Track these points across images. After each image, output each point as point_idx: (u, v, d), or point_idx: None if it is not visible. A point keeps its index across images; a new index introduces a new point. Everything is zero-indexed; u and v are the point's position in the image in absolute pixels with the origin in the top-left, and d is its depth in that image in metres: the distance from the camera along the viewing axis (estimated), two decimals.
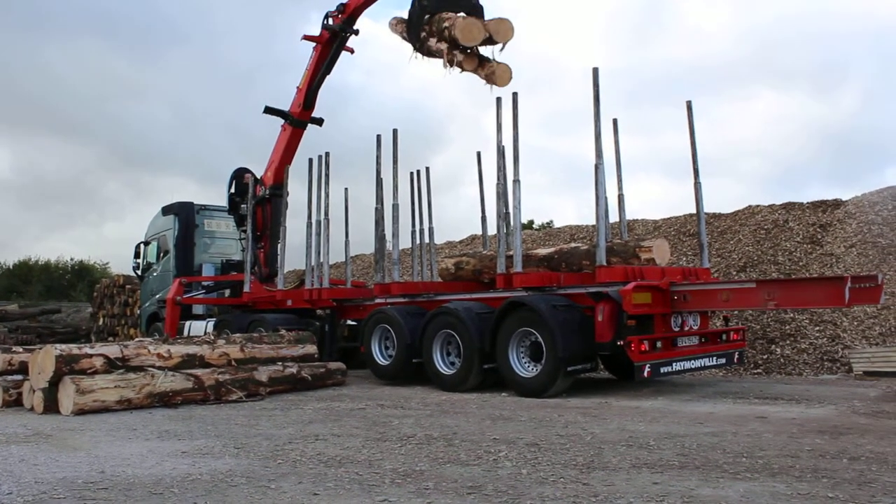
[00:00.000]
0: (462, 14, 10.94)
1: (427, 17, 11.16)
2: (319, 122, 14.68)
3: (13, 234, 66.94)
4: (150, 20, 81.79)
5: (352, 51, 14.15)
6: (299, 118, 14.28)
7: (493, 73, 11.01)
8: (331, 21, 13.59)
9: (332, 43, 13.74)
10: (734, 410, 7.52)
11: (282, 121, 14.46)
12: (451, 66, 10.92)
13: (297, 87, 14.28)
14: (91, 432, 6.82)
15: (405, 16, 11.70)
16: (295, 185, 13.96)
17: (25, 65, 69.78)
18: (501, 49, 10.95)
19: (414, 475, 4.81)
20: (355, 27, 13.64)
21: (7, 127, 71.98)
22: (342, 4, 13.42)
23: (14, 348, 9.71)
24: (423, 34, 11.18)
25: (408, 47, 11.66)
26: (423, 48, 11.31)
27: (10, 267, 43.95)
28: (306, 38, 13.86)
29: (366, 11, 13.48)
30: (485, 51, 11.12)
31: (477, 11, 11.12)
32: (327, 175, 12.39)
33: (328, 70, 14.04)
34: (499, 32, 10.80)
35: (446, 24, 10.89)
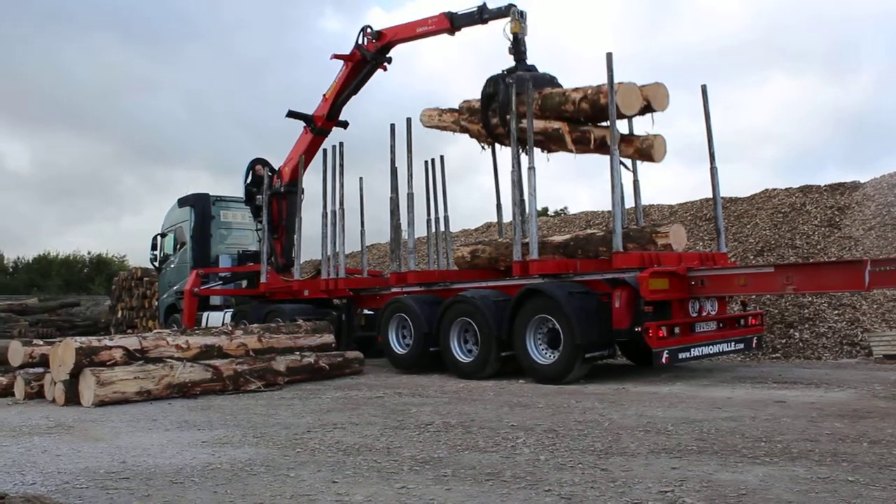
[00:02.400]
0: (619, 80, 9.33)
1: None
2: (345, 124, 14.56)
3: (32, 228, 67.81)
4: (164, 16, 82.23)
5: (385, 68, 13.71)
6: (322, 127, 14.17)
7: (650, 146, 9.70)
8: (364, 41, 13.24)
9: (362, 64, 13.44)
10: (753, 395, 7.47)
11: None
12: (591, 144, 9.78)
13: (324, 95, 14.13)
14: (112, 423, 6.90)
15: (439, 105, 11.51)
16: (310, 175, 14.01)
17: (42, 62, 70.55)
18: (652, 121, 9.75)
19: (432, 462, 4.82)
20: (389, 55, 13.32)
21: (25, 123, 72.90)
22: (378, 32, 13.12)
23: (35, 341, 9.80)
24: (508, 117, 10.13)
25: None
26: (508, 132, 10.19)
27: (30, 261, 44.53)
28: (336, 56, 13.61)
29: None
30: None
31: (556, 86, 10.40)
32: (342, 165, 12.41)
33: (356, 90, 13.87)
34: (655, 99, 9.60)
35: (571, 96, 9.87)
